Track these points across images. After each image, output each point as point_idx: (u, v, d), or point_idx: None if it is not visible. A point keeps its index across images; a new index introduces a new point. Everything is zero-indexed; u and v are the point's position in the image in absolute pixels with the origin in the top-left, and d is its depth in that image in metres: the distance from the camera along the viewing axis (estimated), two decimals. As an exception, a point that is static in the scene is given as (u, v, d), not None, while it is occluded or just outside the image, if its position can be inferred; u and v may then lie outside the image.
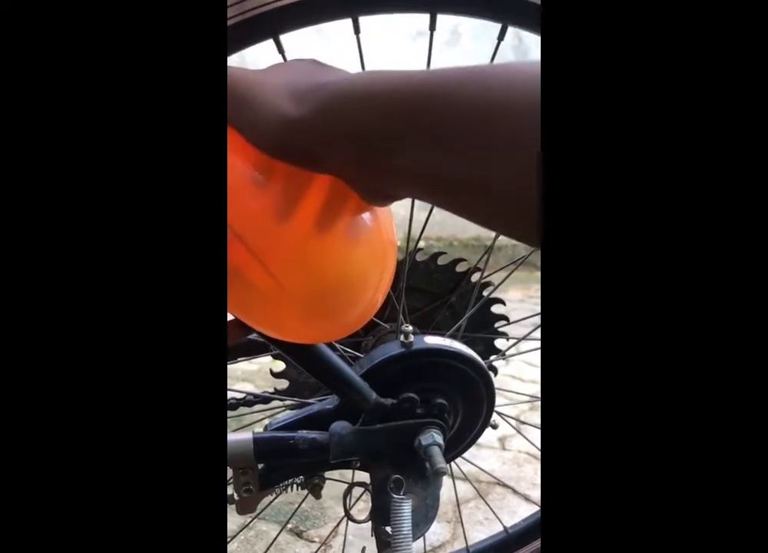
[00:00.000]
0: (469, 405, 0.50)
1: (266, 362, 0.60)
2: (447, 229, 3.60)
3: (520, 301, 2.49)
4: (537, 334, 0.51)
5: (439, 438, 0.46)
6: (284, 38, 0.42)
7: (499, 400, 0.53)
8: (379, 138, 0.22)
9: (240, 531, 0.82)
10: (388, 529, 0.46)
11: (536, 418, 1.25)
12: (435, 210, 0.31)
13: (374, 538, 0.48)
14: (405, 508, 0.45)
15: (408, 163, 0.22)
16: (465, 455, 0.55)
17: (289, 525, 0.89)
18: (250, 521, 0.82)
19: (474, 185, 0.20)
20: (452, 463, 0.58)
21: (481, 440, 0.54)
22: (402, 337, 0.48)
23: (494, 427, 0.56)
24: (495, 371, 0.66)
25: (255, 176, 0.26)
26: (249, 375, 1.52)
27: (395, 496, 0.46)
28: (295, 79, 0.25)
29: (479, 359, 0.50)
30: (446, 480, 0.49)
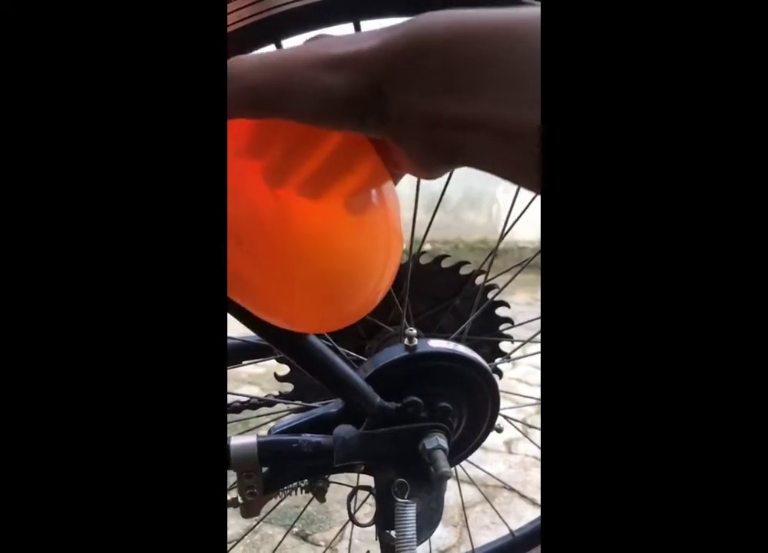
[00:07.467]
0: (473, 409, 0.50)
1: (272, 365, 0.60)
2: (452, 231, 3.59)
3: (527, 304, 2.48)
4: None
5: (443, 442, 0.46)
6: (286, 43, 0.42)
7: (505, 403, 0.53)
8: (457, 79, 0.21)
9: (246, 534, 0.82)
10: (393, 533, 0.45)
11: (543, 421, 1.24)
12: (441, 212, 0.31)
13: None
14: (410, 513, 0.45)
15: (483, 106, 0.21)
16: (472, 458, 0.55)
17: (295, 529, 0.89)
18: (256, 525, 0.82)
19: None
20: (458, 467, 0.58)
21: (487, 444, 0.54)
22: (406, 340, 0.48)
23: (499, 431, 0.56)
24: (500, 374, 0.66)
25: (249, 143, 0.25)
26: (255, 378, 1.53)
27: (400, 500, 0.45)
28: (334, 42, 0.23)
29: (483, 362, 0.50)
30: (452, 484, 0.49)
